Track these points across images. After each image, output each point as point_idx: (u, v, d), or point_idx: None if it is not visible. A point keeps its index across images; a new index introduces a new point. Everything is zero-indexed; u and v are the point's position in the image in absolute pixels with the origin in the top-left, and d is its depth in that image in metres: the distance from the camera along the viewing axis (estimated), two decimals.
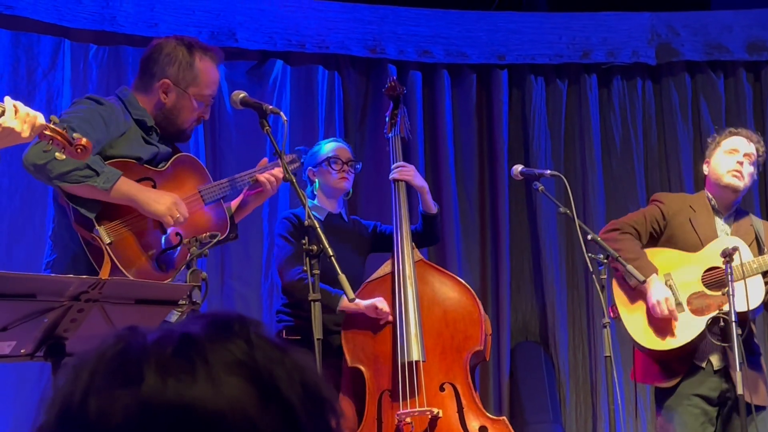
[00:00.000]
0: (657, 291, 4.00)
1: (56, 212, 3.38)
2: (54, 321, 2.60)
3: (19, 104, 2.65)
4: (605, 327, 3.80)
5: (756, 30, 6.02)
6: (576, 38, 5.96)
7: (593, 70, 6.01)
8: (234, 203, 3.66)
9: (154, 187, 3.34)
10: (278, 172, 3.59)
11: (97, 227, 3.18)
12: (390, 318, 4.01)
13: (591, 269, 3.93)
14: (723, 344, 3.94)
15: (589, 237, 3.96)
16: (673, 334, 4.01)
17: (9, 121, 2.62)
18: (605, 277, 3.86)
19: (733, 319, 3.80)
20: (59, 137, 2.70)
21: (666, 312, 3.97)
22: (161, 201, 3.26)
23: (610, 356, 3.77)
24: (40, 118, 2.68)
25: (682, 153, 5.90)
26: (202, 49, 3.51)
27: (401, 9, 5.84)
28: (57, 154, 2.76)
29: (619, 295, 4.14)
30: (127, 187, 3.21)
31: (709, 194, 4.22)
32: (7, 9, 4.97)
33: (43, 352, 2.66)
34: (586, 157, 5.92)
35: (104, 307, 2.63)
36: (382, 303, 3.99)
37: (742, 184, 4.15)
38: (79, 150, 2.73)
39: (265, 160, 3.71)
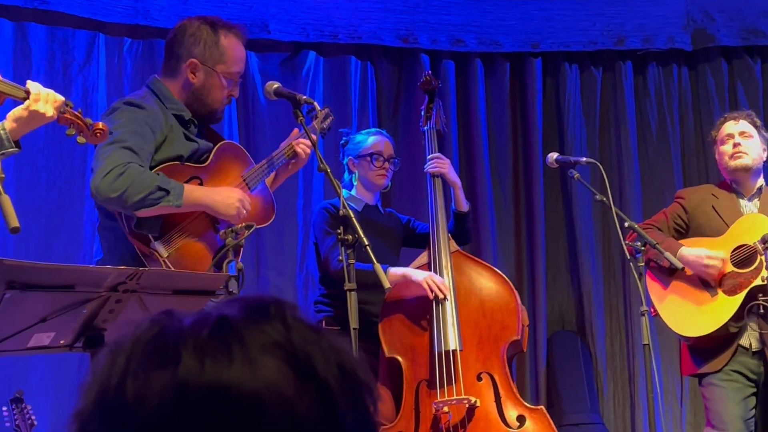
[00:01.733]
0: (694, 256, 3.98)
1: (100, 213, 3.38)
2: (92, 312, 2.62)
3: (40, 86, 2.71)
4: (643, 315, 3.78)
5: None
6: (610, 25, 5.91)
7: (628, 57, 5.96)
8: (268, 177, 3.65)
9: (200, 184, 3.34)
10: (307, 144, 3.56)
11: (154, 242, 3.20)
12: (443, 293, 3.99)
13: (628, 257, 3.90)
14: (763, 331, 3.91)
15: (626, 224, 3.93)
16: (711, 317, 3.99)
17: (34, 104, 2.67)
18: (642, 264, 3.83)
19: None
20: (78, 121, 2.76)
21: (719, 264, 3.96)
22: (229, 203, 3.28)
23: (648, 344, 3.75)
24: (59, 98, 2.73)
25: None
26: (225, 26, 3.48)
27: None
28: (78, 138, 2.80)
29: (652, 291, 4.13)
30: (194, 196, 3.24)
31: (728, 180, 4.24)
32: (43, 4, 5.00)
33: (81, 343, 2.68)
34: (622, 145, 5.88)
35: (142, 297, 2.64)
36: (436, 278, 3.98)
37: (748, 160, 4.16)
38: (98, 134, 2.79)
39: (297, 130, 3.68)
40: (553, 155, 4.20)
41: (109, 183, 3.11)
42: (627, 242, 3.90)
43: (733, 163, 4.16)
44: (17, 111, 2.70)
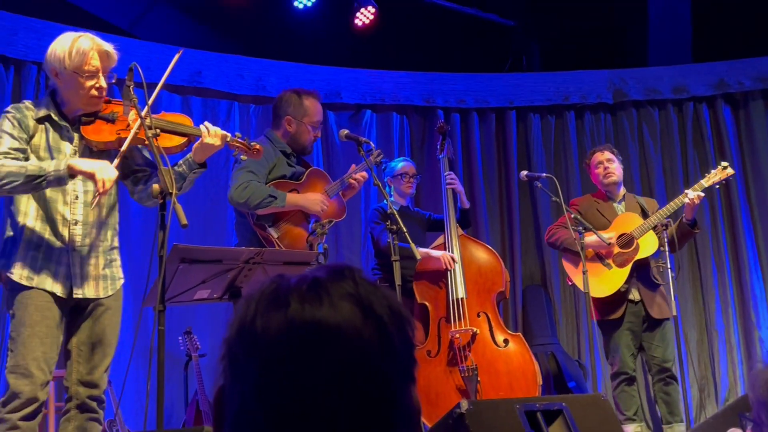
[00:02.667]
0: (593, 240, 3.91)
1: (235, 213, 3.43)
2: (233, 276, 2.64)
3: (209, 125, 2.60)
4: (584, 273, 3.72)
5: (678, 78, 5.86)
6: (560, 88, 5.85)
7: (571, 109, 5.89)
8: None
9: (297, 193, 3.38)
10: (363, 175, 3.58)
11: (269, 228, 3.24)
12: (452, 265, 3.96)
13: (574, 236, 3.84)
14: (642, 288, 3.86)
15: (573, 216, 3.87)
16: (610, 284, 3.94)
17: (207, 138, 2.58)
18: (584, 241, 3.78)
19: (668, 265, 3.73)
20: (242, 146, 2.67)
21: (611, 241, 3.89)
22: (315, 202, 3.31)
23: (588, 293, 3.69)
24: (224, 133, 2.62)
25: (632, 161, 5.76)
26: (306, 92, 3.53)
27: (445, 74, 5.79)
28: (242, 156, 2.75)
29: (569, 269, 4.06)
30: (293, 199, 3.28)
31: (603, 191, 4.15)
32: (199, 84, 5.07)
33: (228, 296, 2.71)
34: (569, 165, 5.80)
35: (264, 267, 2.67)
36: (449, 254, 3.96)
37: (615, 178, 4.09)
38: (255, 152, 2.69)
39: (354, 165, 3.68)
40: (524, 172, 4.15)
41: (238, 193, 3.16)
42: (573, 227, 3.84)
43: (606, 181, 4.09)
44: (196, 144, 2.62)
